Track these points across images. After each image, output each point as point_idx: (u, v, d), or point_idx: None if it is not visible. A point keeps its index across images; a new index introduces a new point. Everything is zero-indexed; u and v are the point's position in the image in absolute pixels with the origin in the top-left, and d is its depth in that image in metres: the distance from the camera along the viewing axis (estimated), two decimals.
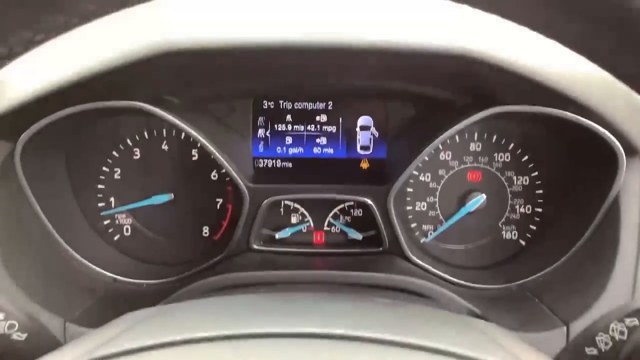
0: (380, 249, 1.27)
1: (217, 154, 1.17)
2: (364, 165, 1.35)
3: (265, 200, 1.24)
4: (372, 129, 1.32)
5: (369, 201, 1.24)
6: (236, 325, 0.61)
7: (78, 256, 1.21)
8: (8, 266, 1.00)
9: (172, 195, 1.32)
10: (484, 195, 1.28)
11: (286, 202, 1.33)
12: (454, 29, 0.92)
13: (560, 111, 1.03)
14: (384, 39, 0.93)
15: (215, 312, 0.69)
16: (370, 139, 1.33)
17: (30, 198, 1.13)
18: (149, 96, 1.12)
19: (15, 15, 0.41)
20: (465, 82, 1.10)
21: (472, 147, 1.31)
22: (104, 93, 1.06)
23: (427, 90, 1.18)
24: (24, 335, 0.75)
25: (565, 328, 0.99)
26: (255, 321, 0.63)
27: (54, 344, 0.79)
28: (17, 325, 0.75)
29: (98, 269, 1.23)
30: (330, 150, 1.34)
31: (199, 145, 1.30)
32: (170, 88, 1.16)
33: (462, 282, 1.24)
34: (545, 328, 1.02)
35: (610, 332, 0.78)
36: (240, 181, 1.21)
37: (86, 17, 0.44)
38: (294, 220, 1.35)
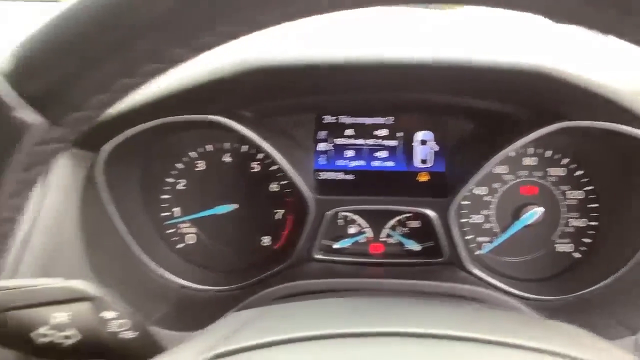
0: (440, 259, 1.30)
1: (286, 166, 1.22)
2: (423, 178, 1.38)
3: (329, 211, 1.28)
4: (432, 142, 1.36)
5: (430, 213, 1.28)
6: (347, 324, 0.64)
7: (152, 263, 1.25)
8: (96, 273, 1.05)
9: (236, 205, 1.36)
10: (541, 209, 1.31)
11: (345, 212, 1.37)
12: (529, 46, 0.96)
13: (630, 128, 1.06)
14: (459, 57, 0.98)
15: (320, 312, 0.73)
16: (430, 153, 1.37)
17: (110, 208, 1.18)
18: (223, 110, 1.17)
19: (118, 66, 0.43)
20: (532, 98, 1.14)
21: (527, 161, 1.34)
22: (185, 107, 1.12)
23: (489, 105, 1.22)
24: (136, 334, 0.79)
25: (633, 337, 1.01)
26: (364, 321, 0.67)
27: (158, 345, 0.83)
28: (129, 324, 0.79)
29: (169, 275, 1.28)
30: (390, 164, 1.38)
31: (259, 157, 1.35)
32: (243, 102, 1.21)
33: (520, 293, 1.26)
34: (611, 337, 1.04)
35: None
36: (305, 193, 1.25)
37: (176, 63, 0.45)
38: (352, 230, 1.39)
